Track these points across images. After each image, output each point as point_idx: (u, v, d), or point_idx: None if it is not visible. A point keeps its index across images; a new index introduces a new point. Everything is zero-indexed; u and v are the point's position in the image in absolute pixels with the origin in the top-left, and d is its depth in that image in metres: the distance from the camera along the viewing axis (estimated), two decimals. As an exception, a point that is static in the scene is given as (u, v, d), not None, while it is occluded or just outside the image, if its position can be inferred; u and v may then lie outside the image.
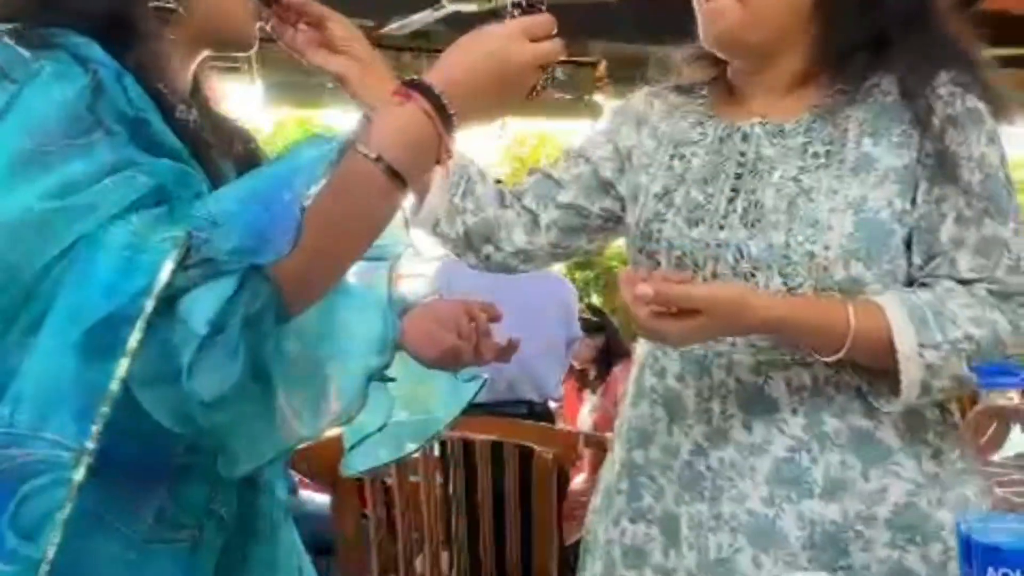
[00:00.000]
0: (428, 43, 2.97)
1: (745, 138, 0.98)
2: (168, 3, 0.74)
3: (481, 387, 1.01)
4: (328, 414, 0.73)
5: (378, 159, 0.67)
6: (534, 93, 0.77)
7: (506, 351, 1.00)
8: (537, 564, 1.67)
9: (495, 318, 1.00)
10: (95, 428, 0.58)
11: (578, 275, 6.36)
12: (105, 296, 0.59)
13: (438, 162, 0.72)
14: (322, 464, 1.65)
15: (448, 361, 0.96)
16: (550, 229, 1.07)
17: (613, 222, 1.08)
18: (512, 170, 6.05)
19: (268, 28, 0.92)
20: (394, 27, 0.79)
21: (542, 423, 2.41)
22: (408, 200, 1.07)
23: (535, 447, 1.68)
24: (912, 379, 0.87)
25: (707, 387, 0.95)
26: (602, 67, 4.20)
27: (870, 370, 0.91)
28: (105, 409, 0.58)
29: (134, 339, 0.58)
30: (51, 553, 0.58)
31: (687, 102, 1.06)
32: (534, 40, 0.75)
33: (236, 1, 0.80)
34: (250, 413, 0.68)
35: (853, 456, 0.91)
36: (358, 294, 0.77)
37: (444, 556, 1.75)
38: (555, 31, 0.77)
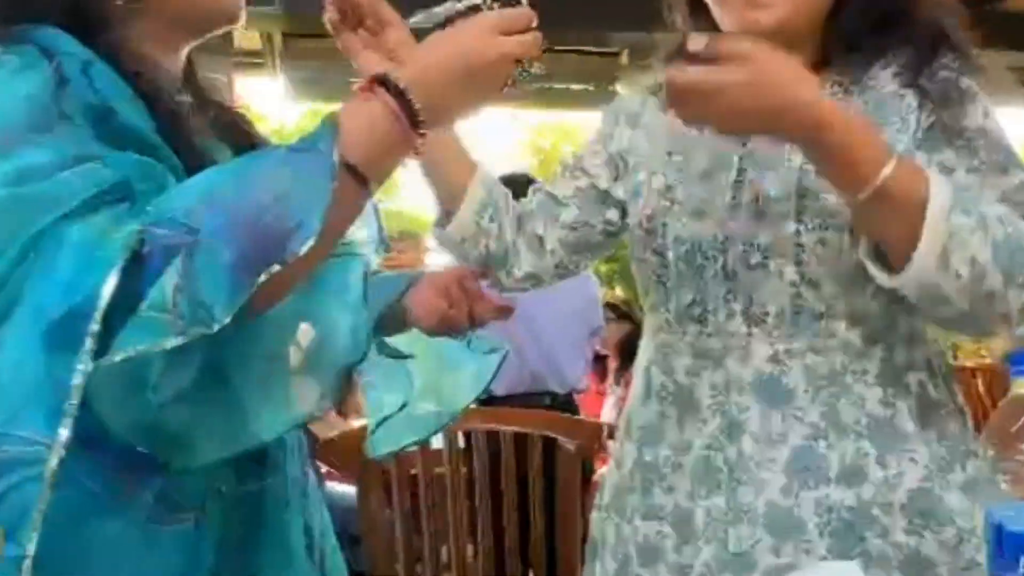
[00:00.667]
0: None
1: None
2: None
3: (503, 359, 1.01)
4: (296, 409, 0.73)
5: (341, 159, 0.66)
6: (507, 87, 0.75)
7: (503, 310, 1.00)
8: (561, 554, 1.67)
9: (508, 311, 1.00)
10: (65, 423, 0.59)
11: (603, 268, 6.36)
12: (65, 292, 0.60)
13: (414, 155, 0.71)
14: (348, 455, 1.67)
15: (445, 328, 0.96)
16: (555, 252, 1.08)
17: (614, 234, 1.09)
18: (537, 162, 6.04)
19: (327, 22, 0.91)
20: (418, 19, 0.78)
21: (566, 414, 2.41)
22: (435, 213, 1.09)
23: (559, 438, 1.68)
24: (934, 240, 0.80)
25: (722, 380, 0.94)
26: (624, 57, 4.19)
27: (880, 236, 0.84)
28: (73, 404, 0.59)
29: (92, 333, 0.59)
30: (31, 549, 0.59)
31: None
32: (508, 34, 0.73)
33: None
34: (206, 413, 0.67)
35: (868, 443, 0.91)
36: (330, 289, 0.76)
37: (469, 546, 1.76)
38: (533, 24, 0.74)
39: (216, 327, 0.60)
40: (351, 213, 0.69)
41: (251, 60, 4.05)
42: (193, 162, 0.73)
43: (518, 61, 0.74)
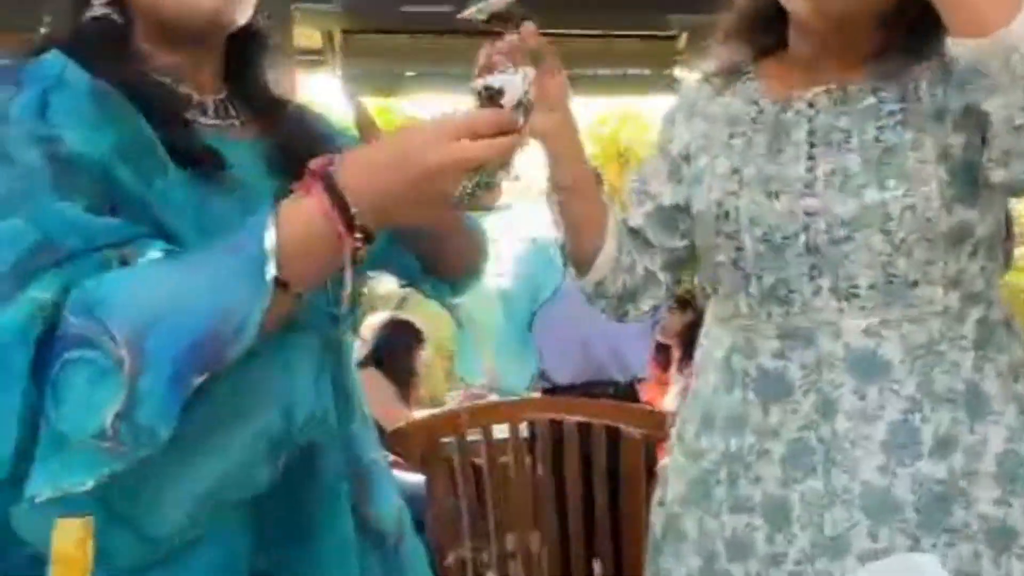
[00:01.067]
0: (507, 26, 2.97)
1: (811, 106, 0.96)
2: (107, 12, 0.75)
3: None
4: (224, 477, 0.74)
5: (275, 268, 0.65)
6: (462, 200, 0.68)
7: None
8: (627, 543, 1.67)
9: None
10: None
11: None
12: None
13: (354, 257, 0.68)
14: (413, 445, 1.69)
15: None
16: (665, 279, 1.11)
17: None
18: (599, 150, 6.00)
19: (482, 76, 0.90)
20: (472, 11, 0.78)
21: (630, 403, 2.39)
22: (573, 263, 1.09)
23: (623, 427, 1.67)
24: None
25: (813, 359, 0.92)
26: (683, 40, 4.12)
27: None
28: None
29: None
30: None
31: (735, 81, 1.04)
32: (475, 137, 0.67)
33: None
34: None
35: (963, 412, 0.89)
36: (277, 358, 0.76)
37: (534, 535, 1.76)
38: (504, 130, 0.68)
39: (160, 445, 0.62)
40: (279, 314, 0.68)
41: (312, 58, 4.13)
42: (200, 168, 0.74)
43: (475, 170, 0.67)
